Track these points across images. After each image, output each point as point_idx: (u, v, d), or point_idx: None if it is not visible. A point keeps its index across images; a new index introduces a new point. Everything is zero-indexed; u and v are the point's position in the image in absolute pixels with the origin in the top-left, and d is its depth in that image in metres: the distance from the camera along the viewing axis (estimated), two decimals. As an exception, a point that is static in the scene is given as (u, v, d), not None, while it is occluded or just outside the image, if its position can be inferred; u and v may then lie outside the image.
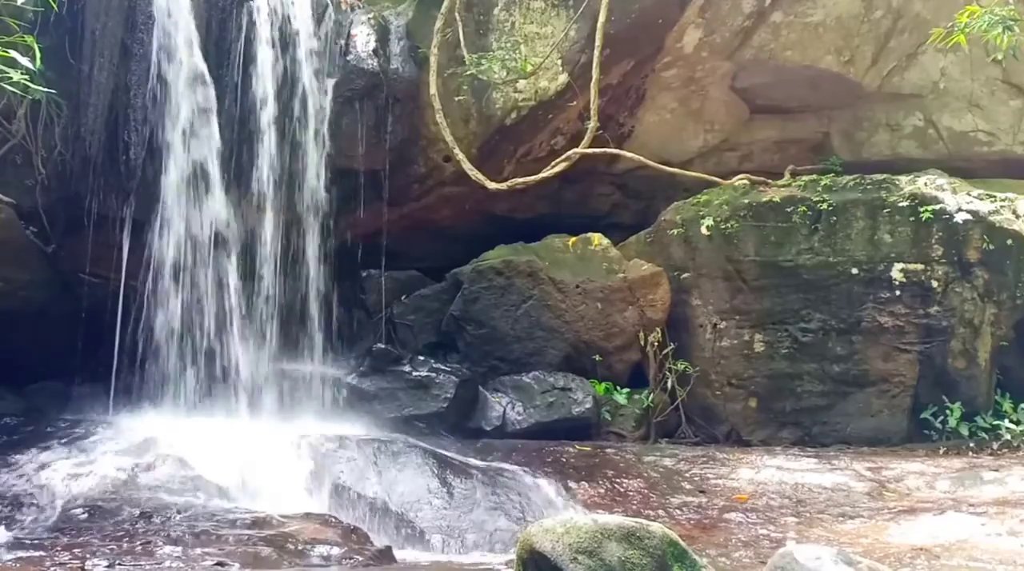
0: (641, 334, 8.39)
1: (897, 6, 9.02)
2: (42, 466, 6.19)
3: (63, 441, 6.62)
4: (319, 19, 8.34)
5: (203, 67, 7.76)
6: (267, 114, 7.96)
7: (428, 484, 6.33)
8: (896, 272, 8.25)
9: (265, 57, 7.98)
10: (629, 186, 9.81)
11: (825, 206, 8.45)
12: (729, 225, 8.54)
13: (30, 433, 6.86)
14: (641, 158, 9.10)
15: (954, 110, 9.40)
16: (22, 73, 6.03)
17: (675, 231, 8.72)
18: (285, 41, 8.13)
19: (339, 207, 8.31)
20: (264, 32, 7.99)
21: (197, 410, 7.56)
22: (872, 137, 9.59)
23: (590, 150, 8.73)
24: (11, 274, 7.71)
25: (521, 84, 8.51)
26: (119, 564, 4.81)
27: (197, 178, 7.77)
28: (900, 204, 8.33)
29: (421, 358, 8.11)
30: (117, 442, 6.58)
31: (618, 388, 8.39)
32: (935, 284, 8.19)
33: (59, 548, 5.08)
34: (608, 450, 7.43)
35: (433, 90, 8.35)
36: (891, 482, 6.75)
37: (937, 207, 8.24)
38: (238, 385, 7.75)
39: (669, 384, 8.36)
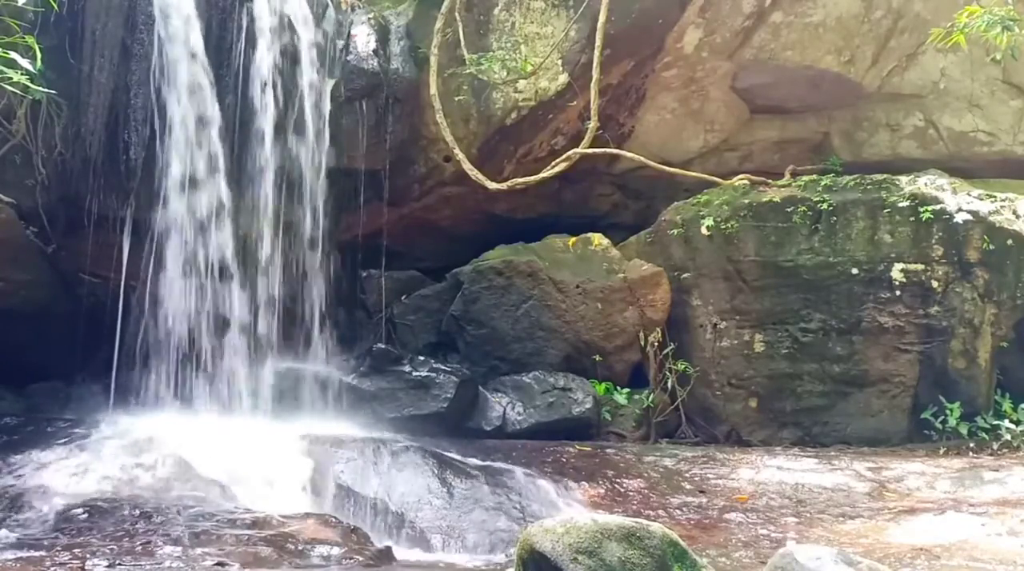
0: (641, 334, 8.39)
1: (897, 6, 9.02)
2: (42, 466, 6.19)
3: (63, 441, 6.61)
4: (319, 19, 8.35)
5: (203, 67, 7.77)
6: (267, 114, 7.97)
7: (428, 484, 6.32)
8: (896, 272, 8.25)
9: (265, 57, 7.99)
10: (629, 186, 9.81)
11: (825, 206, 8.45)
12: (729, 225, 8.54)
13: (30, 433, 6.84)
14: (641, 158, 9.10)
15: (954, 110, 9.40)
16: (22, 73, 6.02)
17: (675, 231, 8.72)
18: (285, 41, 8.14)
19: (339, 207, 8.32)
20: (264, 32, 8.00)
21: (197, 410, 7.56)
22: (872, 137, 9.59)
23: (590, 150, 8.73)
24: (11, 274, 7.72)
25: (521, 84, 8.51)
26: (119, 564, 4.81)
27: (197, 178, 7.78)
28: (900, 204, 8.33)
29: (421, 358, 8.10)
30: (117, 442, 6.57)
31: (618, 388, 8.39)
32: (935, 284, 8.19)
33: (59, 548, 5.08)
34: (608, 450, 7.43)
35: (433, 90, 8.35)
36: (891, 482, 6.74)
37: (937, 207, 8.24)
38: (238, 385, 7.76)
39: (669, 384, 8.36)
